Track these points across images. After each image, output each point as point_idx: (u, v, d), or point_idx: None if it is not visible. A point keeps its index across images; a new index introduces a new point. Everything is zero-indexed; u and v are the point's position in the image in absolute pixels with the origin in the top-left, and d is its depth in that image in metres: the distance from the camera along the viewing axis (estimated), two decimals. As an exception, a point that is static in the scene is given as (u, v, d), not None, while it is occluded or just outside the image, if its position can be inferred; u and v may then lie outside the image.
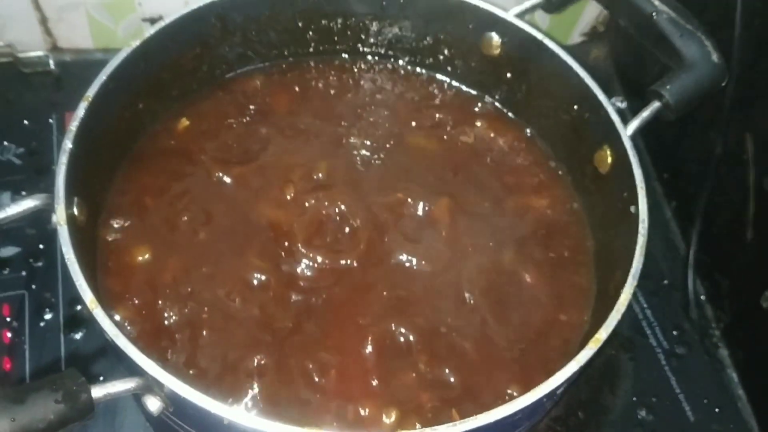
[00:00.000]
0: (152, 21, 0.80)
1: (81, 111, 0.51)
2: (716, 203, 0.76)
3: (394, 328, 0.52)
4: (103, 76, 0.53)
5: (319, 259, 0.55)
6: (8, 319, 0.60)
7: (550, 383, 0.43)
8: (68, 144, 0.49)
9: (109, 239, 0.55)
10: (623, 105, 0.88)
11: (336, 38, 0.67)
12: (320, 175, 0.60)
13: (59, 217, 0.46)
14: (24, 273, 0.63)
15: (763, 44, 0.69)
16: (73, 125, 0.50)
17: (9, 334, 0.59)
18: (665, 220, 0.82)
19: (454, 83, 0.68)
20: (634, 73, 0.89)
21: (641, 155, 0.84)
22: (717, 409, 0.63)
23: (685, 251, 0.77)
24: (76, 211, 0.49)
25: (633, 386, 0.64)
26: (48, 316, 0.61)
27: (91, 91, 0.52)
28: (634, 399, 0.63)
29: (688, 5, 0.77)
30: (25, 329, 0.60)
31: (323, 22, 0.65)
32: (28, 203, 0.47)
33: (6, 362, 0.58)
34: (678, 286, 0.76)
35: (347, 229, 0.57)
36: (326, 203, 0.58)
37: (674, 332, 0.67)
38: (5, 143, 0.71)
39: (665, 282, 0.71)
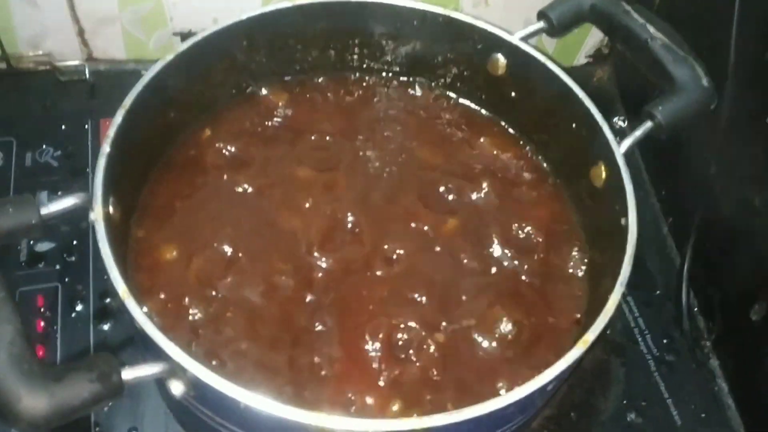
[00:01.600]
0: (182, 35, 0.85)
1: (119, 118, 0.56)
2: (710, 220, 0.79)
3: (395, 325, 0.56)
4: (139, 86, 0.58)
5: (331, 262, 0.60)
6: (42, 310, 0.65)
7: (539, 380, 0.47)
8: (107, 147, 0.54)
9: (140, 237, 0.60)
10: (624, 124, 0.93)
11: (354, 56, 0.72)
12: (337, 186, 0.64)
13: (96, 215, 0.50)
14: (58, 267, 0.67)
15: (758, 66, 0.72)
16: (111, 131, 0.55)
17: (42, 324, 0.64)
18: (662, 236, 0.85)
19: (462, 100, 0.72)
20: (635, 94, 0.93)
21: (640, 174, 0.90)
22: (703, 414, 0.67)
23: (680, 265, 0.81)
24: (111, 209, 0.53)
25: (624, 390, 0.67)
26: (79, 308, 0.66)
27: (128, 100, 0.57)
28: (625, 402, 0.67)
29: (686, 28, 0.82)
30: (57, 319, 0.64)
31: (342, 40, 0.70)
32: (68, 201, 0.51)
33: (39, 349, 0.62)
34: (671, 297, 0.79)
35: (357, 236, 0.62)
36: (339, 214, 0.62)
37: (664, 340, 0.71)
38: (44, 146, 0.76)
39: (657, 293, 0.75)
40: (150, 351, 0.47)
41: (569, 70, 0.95)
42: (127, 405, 0.61)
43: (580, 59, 0.98)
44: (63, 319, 0.65)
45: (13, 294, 0.64)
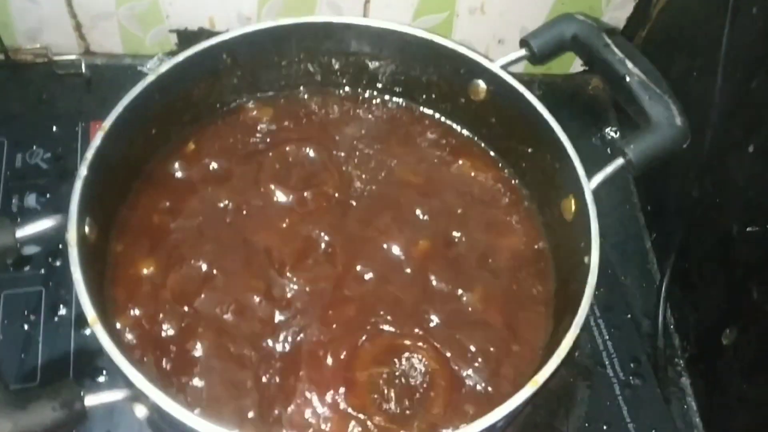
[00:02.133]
0: (178, 32, 0.86)
1: (97, 141, 0.57)
2: (691, 241, 0.80)
3: (360, 347, 0.58)
4: (119, 108, 0.59)
5: (303, 283, 0.61)
6: (26, 313, 0.67)
7: (486, 419, 0.48)
8: (83, 171, 0.55)
9: (118, 251, 0.61)
10: (616, 135, 0.94)
11: (337, 74, 0.72)
12: (315, 205, 0.66)
13: (70, 240, 0.52)
14: (43, 271, 0.69)
15: (744, 94, 0.73)
16: (89, 154, 0.56)
17: (26, 327, 0.66)
18: (645, 251, 0.86)
19: (444, 121, 0.73)
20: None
21: (629, 186, 0.90)
22: (663, 439, 0.69)
23: (660, 281, 0.82)
24: (87, 230, 0.55)
25: (587, 412, 0.69)
26: (62, 312, 0.68)
27: (108, 122, 0.58)
28: (587, 425, 0.68)
29: (676, 54, 0.82)
30: (40, 323, 0.67)
31: (325, 59, 0.71)
32: (44, 223, 0.53)
33: (21, 352, 0.65)
34: (648, 315, 0.80)
35: (329, 256, 0.63)
36: (316, 232, 0.64)
37: (631, 364, 0.72)
38: (34, 147, 0.78)
39: (628, 316, 0.76)
40: (117, 374, 0.49)
41: (564, 78, 0.98)
42: (103, 416, 0.62)
43: (576, 67, 0.98)
44: (45, 323, 0.67)
45: (-2, 297, 0.67)
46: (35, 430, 0.43)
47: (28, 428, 0.43)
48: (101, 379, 0.65)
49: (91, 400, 0.46)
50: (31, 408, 0.44)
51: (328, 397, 0.56)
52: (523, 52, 0.66)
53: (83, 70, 0.86)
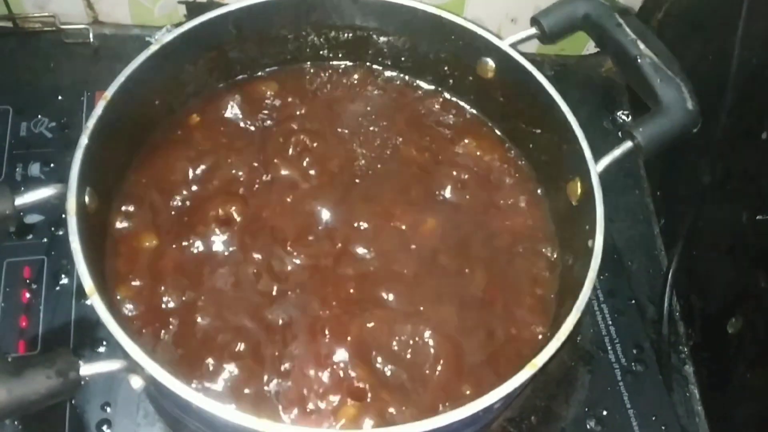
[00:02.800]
0: (187, 4, 0.85)
1: (99, 110, 0.56)
2: (700, 228, 0.79)
3: (358, 324, 0.58)
4: (122, 77, 0.58)
5: (303, 258, 0.61)
6: (28, 281, 0.67)
7: (483, 400, 0.48)
8: (84, 140, 0.55)
9: (119, 224, 0.61)
10: (628, 118, 0.92)
11: (344, 48, 0.71)
12: (320, 182, 0.65)
13: (69, 209, 0.51)
14: (45, 240, 0.69)
15: (759, 79, 0.71)
16: (90, 122, 0.56)
17: (28, 295, 0.66)
18: (653, 236, 0.85)
19: (451, 99, 0.72)
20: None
21: (638, 170, 0.89)
22: (663, 427, 0.68)
23: (667, 268, 0.81)
24: (87, 200, 0.54)
25: (587, 397, 0.68)
26: (63, 281, 0.68)
27: (110, 91, 0.57)
28: (586, 410, 0.68)
29: (691, 37, 0.80)
30: (42, 292, 0.67)
31: (332, 33, 0.70)
32: (44, 192, 0.53)
33: (22, 320, 0.65)
34: (654, 302, 0.80)
35: (331, 232, 0.63)
36: (318, 208, 0.63)
37: (633, 350, 0.72)
38: (39, 116, 0.77)
39: (632, 301, 0.75)
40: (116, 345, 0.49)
41: (577, 60, 0.96)
42: (103, 381, 0.63)
43: (589, 49, 0.96)
44: (47, 291, 0.67)
45: (0, 264, 0.67)
46: (30, 397, 0.43)
47: (22, 396, 0.43)
48: (101, 349, 0.65)
49: (86, 369, 0.46)
50: (25, 375, 0.43)
51: (327, 373, 0.56)
52: (533, 30, 0.65)
53: (91, 40, 0.86)
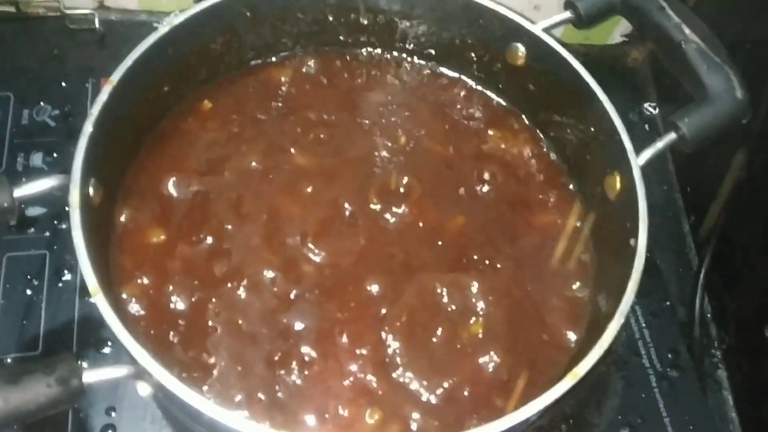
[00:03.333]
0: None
1: (104, 95, 0.53)
2: (733, 226, 0.76)
3: (382, 336, 0.54)
4: (129, 61, 0.55)
5: (324, 255, 0.57)
6: (29, 277, 0.63)
7: (520, 413, 0.44)
8: (89, 127, 0.51)
9: (125, 218, 0.57)
10: (655, 111, 0.88)
11: (364, 33, 0.68)
12: (337, 175, 0.61)
13: (72, 202, 0.48)
14: (47, 233, 0.66)
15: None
16: (95, 109, 0.52)
17: (29, 292, 0.63)
18: (682, 234, 0.82)
19: (477, 88, 0.68)
20: (671, 80, 0.87)
21: (666, 166, 0.85)
22: (701, 436, 0.64)
23: (698, 267, 0.77)
24: (91, 191, 0.51)
25: (620, 404, 0.64)
26: (66, 278, 0.64)
27: (116, 76, 0.54)
28: (620, 418, 0.64)
29: (729, 23, 0.76)
30: (43, 288, 0.63)
31: (352, 16, 0.66)
32: (45, 183, 0.49)
33: (23, 318, 0.61)
34: (684, 301, 0.76)
35: (353, 228, 0.59)
36: (339, 201, 0.60)
37: (669, 355, 0.68)
38: (42, 104, 0.74)
39: (667, 303, 0.71)
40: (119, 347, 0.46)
41: (602, 49, 0.92)
42: (107, 385, 0.59)
43: (615, 38, 0.92)
44: (49, 288, 0.63)
45: (0, 258, 0.63)
46: (28, 407, 0.40)
47: (20, 405, 0.40)
48: (106, 350, 0.61)
49: (89, 376, 0.42)
50: (23, 383, 0.40)
51: (346, 381, 0.52)
52: (567, 14, 0.61)
53: (97, 26, 0.82)
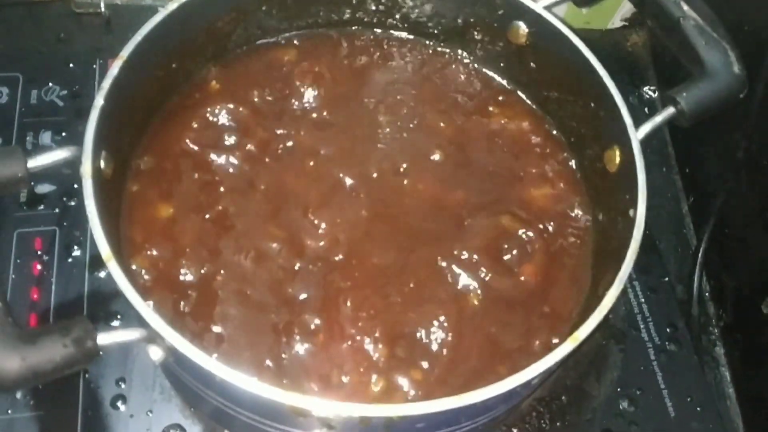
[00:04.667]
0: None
1: (115, 69, 0.53)
2: (732, 205, 0.77)
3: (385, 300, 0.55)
4: (138, 37, 0.55)
5: (326, 227, 0.58)
6: (39, 253, 0.65)
7: (525, 373, 0.45)
8: (100, 101, 0.52)
9: (135, 190, 0.58)
10: (654, 95, 0.90)
11: (369, 13, 0.68)
12: (341, 148, 0.62)
13: (84, 172, 0.49)
14: (57, 210, 0.67)
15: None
16: (106, 83, 0.53)
17: (39, 267, 0.64)
18: (681, 215, 0.83)
19: (480, 67, 0.69)
20: (670, 63, 0.88)
21: (666, 147, 0.86)
22: (699, 408, 0.65)
23: (696, 247, 0.78)
24: (103, 164, 0.52)
25: (619, 377, 0.66)
26: (76, 253, 0.65)
27: (126, 51, 0.55)
28: (619, 390, 0.65)
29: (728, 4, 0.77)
30: (53, 264, 0.64)
31: (357, -3, 0.67)
32: (57, 154, 0.49)
33: (34, 292, 0.63)
34: (682, 280, 0.77)
35: (356, 201, 0.60)
36: (341, 175, 0.61)
37: (667, 329, 0.69)
38: (50, 84, 0.75)
39: (666, 279, 0.73)
40: (132, 313, 0.46)
41: (602, 33, 0.93)
42: (117, 356, 0.61)
43: (615, 22, 0.94)
44: (59, 263, 0.65)
45: (11, 235, 0.64)
46: (45, 366, 0.41)
47: (37, 364, 0.40)
48: (115, 323, 0.62)
49: (103, 338, 0.43)
50: (40, 343, 0.41)
51: (349, 348, 0.53)
52: (568, -8, 0.62)
53: (102, 10, 0.83)
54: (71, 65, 0.77)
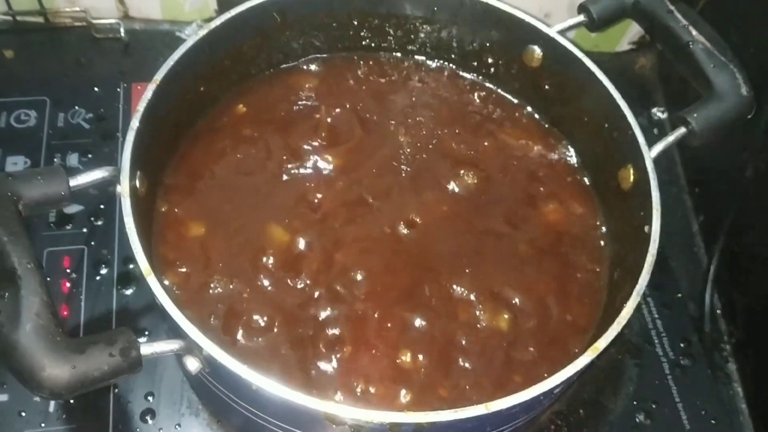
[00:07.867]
0: (218, -1, 0.85)
1: (149, 93, 0.56)
2: (742, 224, 0.78)
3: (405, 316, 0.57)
4: (170, 62, 0.58)
5: (352, 243, 0.60)
6: (68, 271, 0.66)
7: (548, 383, 0.47)
8: (136, 123, 0.54)
9: (165, 210, 0.60)
10: (663, 116, 0.92)
11: (388, 38, 0.71)
12: (365, 171, 0.65)
13: (123, 190, 0.51)
14: (85, 230, 0.69)
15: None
16: (141, 106, 0.55)
17: (68, 285, 0.66)
18: (691, 233, 0.84)
19: (495, 89, 0.71)
20: (678, 85, 0.90)
21: (675, 167, 0.88)
22: (713, 421, 0.67)
23: (707, 265, 0.80)
24: (138, 183, 0.54)
25: (635, 391, 0.67)
26: (103, 271, 0.67)
27: (160, 75, 0.57)
28: (635, 403, 0.67)
29: (733, 27, 0.79)
30: (82, 281, 0.66)
31: (377, 21, 0.69)
32: (97, 174, 0.51)
33: (64, 309, 0.64)
34: (694, 297, 0.78)
35: (377, 217, 0.62)
36: (364, 196, 0.63)
37: (681, 344, 0.70)
38: (76, 107, 0.77)
39: (679, 295, 0.74)
40: (168, 326, 0.48)
41: (610, 57, 0.96)
42: (146, 371, 0.61)
43: (623, 45, 0.96)
44: (87, 281, 0.66)
45: (41, 253, 0.66)
46: (93, 374, 0.42)
47: (86, 373, 0.42)
48: (143, 339, 0.63)
49: (146, 349, 0.45)
50: (89, 352, 0.42)
51: (376, 360, 0.55)
52: (581, 18, 0.65)
53: (122, 35, 0.86)
54: (96, 89, 0.79)
